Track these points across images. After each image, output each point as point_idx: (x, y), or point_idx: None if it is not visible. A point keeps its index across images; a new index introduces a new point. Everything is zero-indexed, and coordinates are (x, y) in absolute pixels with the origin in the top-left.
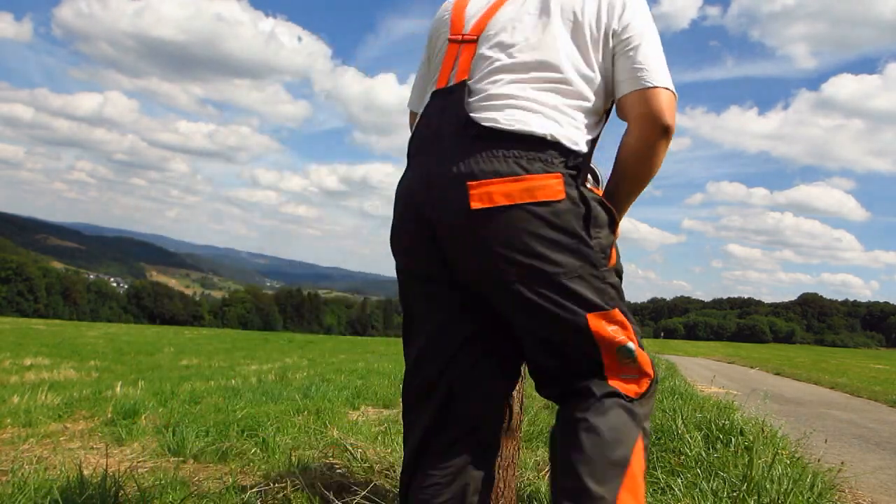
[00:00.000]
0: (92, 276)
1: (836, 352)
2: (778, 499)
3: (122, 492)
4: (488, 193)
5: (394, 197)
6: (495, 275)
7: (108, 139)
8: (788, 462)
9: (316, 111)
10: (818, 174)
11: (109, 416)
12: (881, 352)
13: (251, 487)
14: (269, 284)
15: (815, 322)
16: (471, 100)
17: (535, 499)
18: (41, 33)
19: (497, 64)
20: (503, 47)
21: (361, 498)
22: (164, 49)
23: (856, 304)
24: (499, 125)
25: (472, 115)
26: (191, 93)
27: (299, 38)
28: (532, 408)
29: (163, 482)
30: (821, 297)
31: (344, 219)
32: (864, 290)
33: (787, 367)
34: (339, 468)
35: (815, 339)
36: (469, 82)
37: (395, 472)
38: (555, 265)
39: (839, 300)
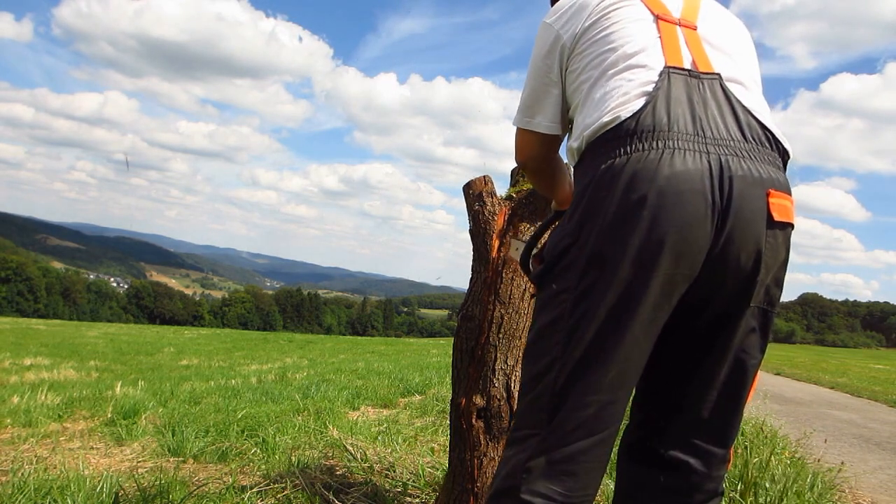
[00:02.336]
0: (92, 276)
1: (837, 352)
2: (778, 498)
3: (122, 492)
4: (785, 207)
5: (625, 179)
6: (748, 294)
7: (108, 139)
8: (788, 462)
9: (316, 111)
10: (818, 174)
11: (109, 416)
12: (881, 352)
13: (251, 487)
14: (269, 284)
15: (815, 322)
16: (737, 98)
17: None
18: (41, 33)
19: (730, 65)
20: (722, 45)
21: (361, 497)
22: (164, 49)
23: (856, 304)
24: (777, 135)
25: (757, 116)
26: (191, 93)
27: (300, 38)
28: None
29: (163, 482)
30: (821, 297)
31: (344, 219)
32: (864, 290)
33: (787, 367)
34: (339, 468)
35: (815, 339)
36: (723, 78)
37: (395, 471)
38: (779, 299)
39: (839, 300)
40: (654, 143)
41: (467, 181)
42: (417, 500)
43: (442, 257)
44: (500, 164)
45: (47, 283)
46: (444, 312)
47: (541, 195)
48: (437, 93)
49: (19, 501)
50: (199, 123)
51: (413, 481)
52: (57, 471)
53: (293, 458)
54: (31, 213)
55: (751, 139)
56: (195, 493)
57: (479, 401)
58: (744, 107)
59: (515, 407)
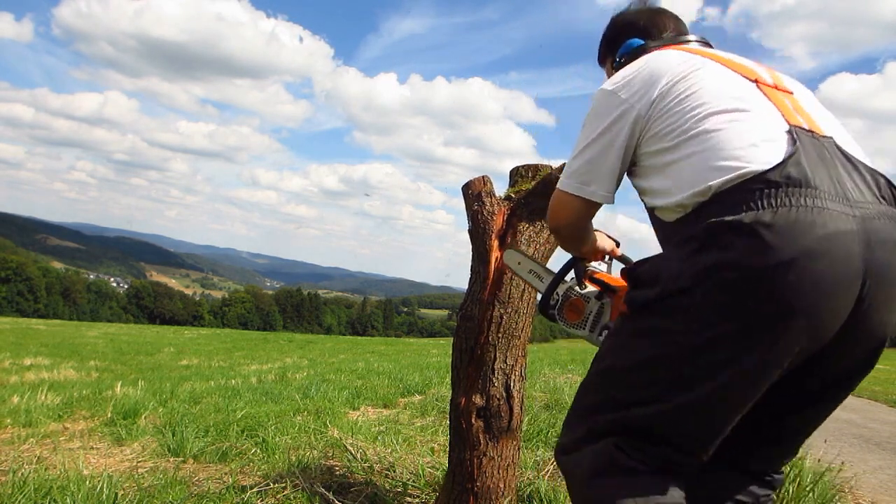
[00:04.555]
0: (92, 276)
1: None
2: (777, 498)
3: (122, 492)
4: None
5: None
6: (874, 360)
7: (108, 139)
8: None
9: (316, 111)
10: None
11: (109, 416)
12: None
13: (251, 487)
14: (269, 284)
15: None
16: (858, 158)
17: (535, 498)
18: (41, 33)
19: (835, 127)
20: (818, 109)
21: (361, 497)
22: (164, 49)
23: None
24: None
25: (882, 173)
26: (191, 93)
27: (300, 39)
28: (532, 408)
29: (163, 482)
30: None
31: (344, 219)
32: None
33: None
34: (339, 468)
35: None
36: (836, 141)
37: (395, 471)
38: None
39: None
40: (803, 199)
41: (466, 181)
42: (417, 500)
43: (442, 257)
44: (499, 164)
45: (47, 283)
46: (444, 312)
47: (539, 196)
48: (437, 93)
49: (19, 501)
50: (199, 123)
51: (413, 481)
52: (57, 471)
53: (293, 458)
54: (31, 213)
55: (882, 199)
56: (195, 493)
57: (478, 400)
58: (866, 166)
59: (515, 409)
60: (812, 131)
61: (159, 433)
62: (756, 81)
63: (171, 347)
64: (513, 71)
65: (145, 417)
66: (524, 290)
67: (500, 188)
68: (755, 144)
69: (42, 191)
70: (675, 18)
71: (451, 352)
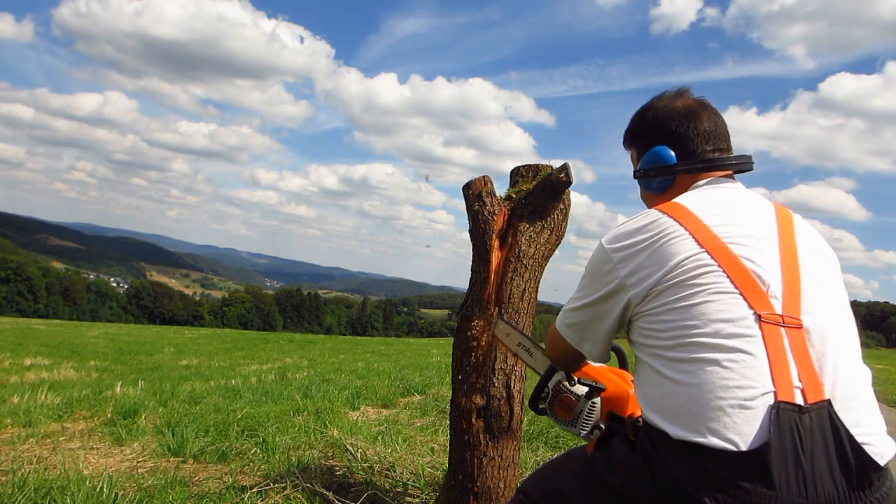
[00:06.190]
0: (92, 276)
1: None
2: None
3: (122, 492)
4: None
5: None
6: None
7: (108, 139)
8: None
9: (317, 111)
10: (818, 174)
11: (109, 416)
12: (881, 352)
13: (251, 487)
14: (269, 284)
15: None
16: (846, 425)
17: None
18: (41, 33)
19: (836, 372)
20: (824, 320)
21: (361, 497)
22: (164, 49)
23: (856, 304)
24: (881, 460)
25: (865, 448)
26: (191, 93)
27: (301, 39)
28: None
29: (163, 482)
30: None
31: (344, 219)
32: (864, 291)
33: None
34: (339, 468)
35: None
36: (834, 406)
37: (395, 471)
38: None
39: None
40: (755, 497)
41: (467, 181)
42: (417, 500)
43: (442, 257)
44: (499, 164)
45: (47, 283)
46: (444, 312)
47: (540, 196)
48: (437, 93)
49: (19, 501)
50: (200, 124)
51: (413, 481)
52: (57, 471)
53: (293, 458)
54: (31, 213)
55: (857, 485)
56: (195, 493)
57: (478, 400)
58: (851, 438)
59: (515, 409)
60: (802, 405)
61: (159, 433)
62: (761, 318)
63: (171, 347)
64: (513, 71)
65: (145, 417)
66: (524, 290)
67: (501, 188)
68: (724, 411)
69: (42, 191)
70: (715, 119)
71: (451, 352)
